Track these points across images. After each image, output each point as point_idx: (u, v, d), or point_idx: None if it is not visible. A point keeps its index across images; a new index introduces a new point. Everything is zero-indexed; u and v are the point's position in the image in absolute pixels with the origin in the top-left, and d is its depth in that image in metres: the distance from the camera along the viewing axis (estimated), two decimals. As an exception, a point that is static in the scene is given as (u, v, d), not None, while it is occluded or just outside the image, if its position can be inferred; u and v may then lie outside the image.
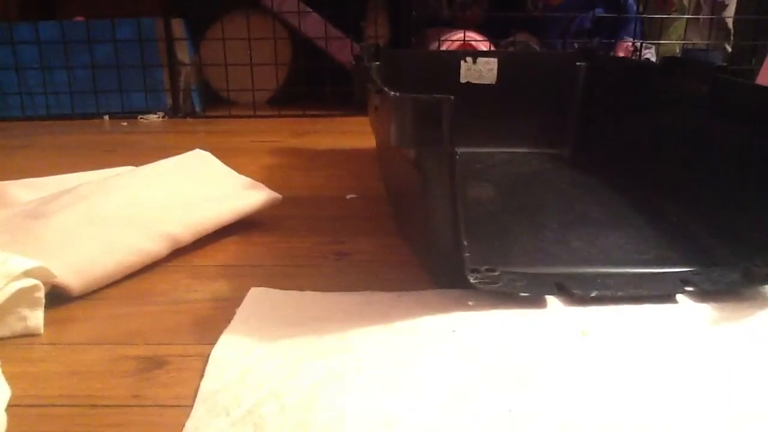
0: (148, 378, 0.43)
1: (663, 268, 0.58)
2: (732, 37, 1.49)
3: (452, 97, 0.44)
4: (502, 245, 0.64)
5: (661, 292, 0.52)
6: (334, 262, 0.62)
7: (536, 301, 0.51)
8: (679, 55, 1.44)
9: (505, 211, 0.75)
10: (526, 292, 0.51)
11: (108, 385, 0.42)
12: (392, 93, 0.47)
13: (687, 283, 0.53)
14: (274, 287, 0.56)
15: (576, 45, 1.05)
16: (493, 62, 1.02)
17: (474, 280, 0.51)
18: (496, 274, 0.52)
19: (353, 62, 0.83)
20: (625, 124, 0.90)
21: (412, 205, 0.59)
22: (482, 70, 1.02)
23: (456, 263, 0.51)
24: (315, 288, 0.56)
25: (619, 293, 0.52)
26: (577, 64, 1.02)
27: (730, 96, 0.70)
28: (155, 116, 1.39)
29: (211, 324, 0.50)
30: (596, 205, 0.76)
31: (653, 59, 1.44)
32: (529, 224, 0.70)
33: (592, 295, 0.51)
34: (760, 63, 1.16)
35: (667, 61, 0.85)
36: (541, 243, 0.65)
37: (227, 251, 0.64)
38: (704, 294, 0.52)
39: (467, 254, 0.50)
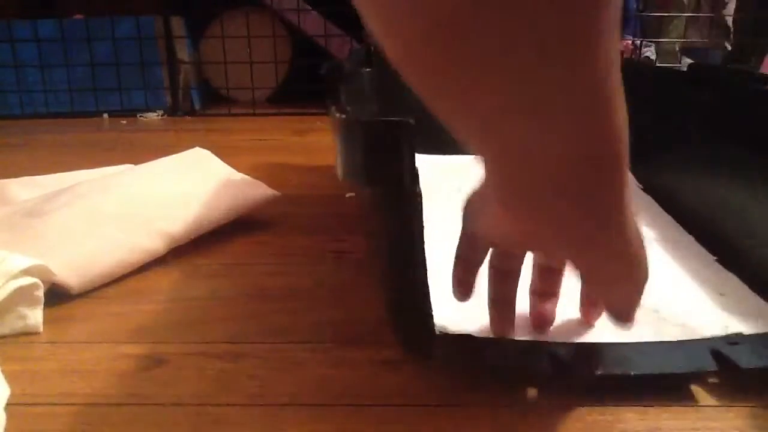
0: (147, 377, 0.43)
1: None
2: (731, 35, 1.49)
3: (412, 121, 0.34)
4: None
5: (684, 369, 0.41)
6: (333, 261, 0.62)
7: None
8: (714, 64, 1.38)
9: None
10: (508, 365, 0.42)
11: (107, 384, 0.42)
12: (338, 114, 0.38)
13: (719, 356, 0.41)
14: (273, 285, 0.56)
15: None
16: None
17: (442, 355, 0.41)
18: (473, 346, 0.42)
19: (324, 72, 0.65)
20: (651, 142, 0.77)
21: (376, 248, 0.48)
22: None
23: (420, 328, 0.40)
24: (314, 285, 0.56)
25: (632, 372, 0.40)
26: None
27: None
28: (155, 114, 1.38)
29: (211, 322, 0.50)
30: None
31: (653, 57, 1.44)
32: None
33: (597, 373, 0.40)
34: (761, 61, 1.16)
35: (696, 69, 0.74)
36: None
37: (226, 249, 0.64)
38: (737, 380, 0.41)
39: (433, 319, 0.40)
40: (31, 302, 0.48)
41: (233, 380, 0.43)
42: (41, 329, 0.48)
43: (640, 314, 0.48)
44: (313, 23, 1.46)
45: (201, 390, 0.41)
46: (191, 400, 0.40)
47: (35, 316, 0.48)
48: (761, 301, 0.50)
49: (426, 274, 0.38)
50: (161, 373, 0.43)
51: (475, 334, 0.43)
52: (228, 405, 0.40)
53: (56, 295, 0.52)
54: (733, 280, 0.54)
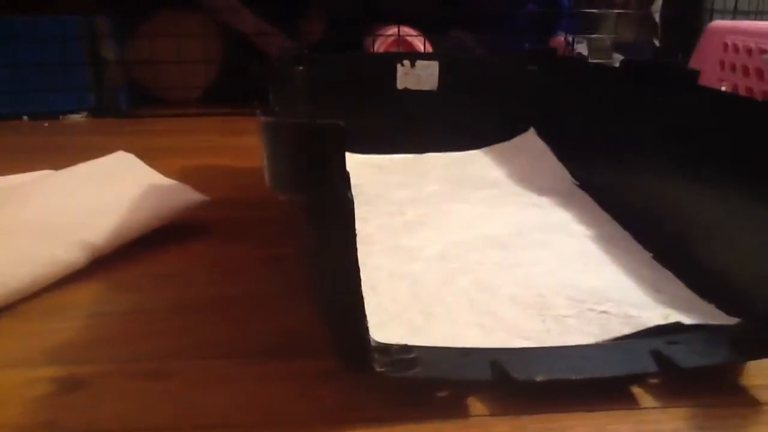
0: (64, 401, 0.40)
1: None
2: (659, 32, 1.53)
3: (342, 124, 0.33)
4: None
5: (626, 371, 0.41)
6: (266, 269, 0.59)
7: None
8: (645, 59, 1.39)
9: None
10: (450, 377, 0.40)
11: (20, 411, 0.39)
12: (262, 117, 0.37)
13: (659, 356, 0.41)
14: (201, 297, 0.53)
15: (526, 44, 1.02)
16: (434, 66, 0.91)
17: (380, 366, 0.38)
18: (411, 356, 0.40)
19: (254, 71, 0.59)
20: (586, 138, 0.79)
21: (309, 257, 0.46)
22: (421, 75, 0.92)
23: (356, 339, 0.38)
24: (246, 295, 0.54)
25: (573, 376, 0.40)
26: (529, 68, 0.92)
27: (718, 108, 0.57)
28: (79, 116, 1.33)
29: (134, 339, 0.47)
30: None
31: (585, 53, 1.46)
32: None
33: (538, 379, 0.40)
34: (688, 56, 1.19)
35: (628, 65, 0.73)
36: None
37: (152, 259, 0.61)
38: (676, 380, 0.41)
39: (368, 329, 0.38)
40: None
41: (157, 401, 0.40)
42: (-55, 353, 0.45)
43: (584, 312, 0.48)
44: (246, 21, 1.43)
45: (122, 413, 0.39)
46: (111, 425, 0.38)
47: (-63, 340, 0.44)
48: (696, 298, 0.50)
49: (360, 282, 0.36)
50: (79, 396, 0.40)
51: (413, 344, 0.41)
52: (152, 429, 0.38)
53: (-37, 315, 0.48)
54: (669, 277, 0.54)
